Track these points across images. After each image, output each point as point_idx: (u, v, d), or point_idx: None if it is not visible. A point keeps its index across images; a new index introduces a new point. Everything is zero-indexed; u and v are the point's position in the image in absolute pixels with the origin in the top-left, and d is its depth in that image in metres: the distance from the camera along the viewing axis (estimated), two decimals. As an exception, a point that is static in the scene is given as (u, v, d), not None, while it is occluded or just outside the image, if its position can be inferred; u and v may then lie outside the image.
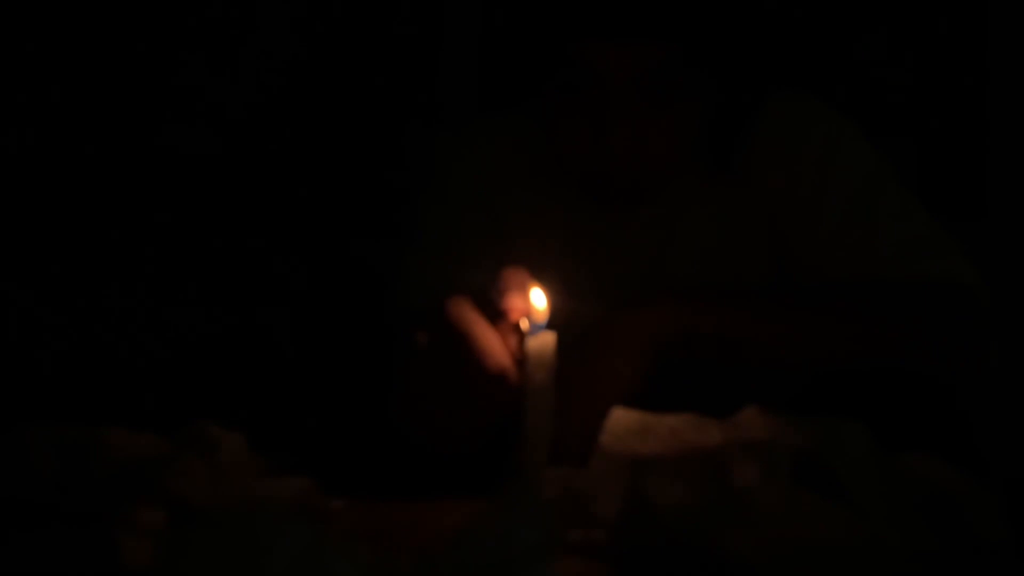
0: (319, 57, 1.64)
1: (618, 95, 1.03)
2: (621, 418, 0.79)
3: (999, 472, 0.87)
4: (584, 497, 0.69)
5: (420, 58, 1.77)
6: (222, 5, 1.48)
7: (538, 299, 0.76)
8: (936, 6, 1.60)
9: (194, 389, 1.30)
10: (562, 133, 1.09)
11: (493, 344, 0.80)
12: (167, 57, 1.40)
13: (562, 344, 0.77)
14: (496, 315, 0.82)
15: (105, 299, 1.35)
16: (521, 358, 0.79)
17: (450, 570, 0.59)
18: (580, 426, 0.88)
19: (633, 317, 0.97)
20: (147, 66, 1.37)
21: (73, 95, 1.31)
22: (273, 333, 1.55)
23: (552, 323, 0.76)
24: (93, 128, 1.35)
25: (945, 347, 1.00)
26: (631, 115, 1.04)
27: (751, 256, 1.17)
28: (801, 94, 1.19)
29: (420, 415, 0.87)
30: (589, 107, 1.05)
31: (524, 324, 0.79)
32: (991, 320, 1.03)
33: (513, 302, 0.81)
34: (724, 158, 1.16)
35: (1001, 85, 1.58)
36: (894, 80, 1.60)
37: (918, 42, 1.60)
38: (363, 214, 1.60)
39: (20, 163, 1.27)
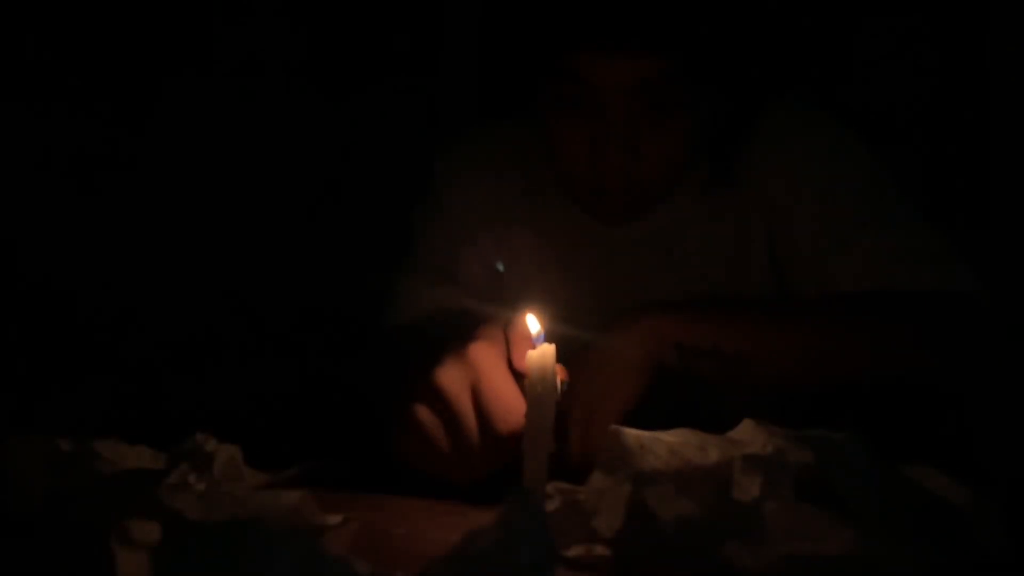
0: (318, 65, 1.63)
1: (614, 107, 1.03)
2: (619, 436, 0.79)
3: (1002, 482, 0.87)
4: (585, 512, 0.68)
5: (420, 67, 1.77)
6: (218, 9, 1.47)
7: (532, 322, 0.76)
8: (938, 13, 1.59)
9: (191, 400, 1.30)
10: (559, 146, 1.09)
11: (506, 405, 0.80)
12: (165, 62, 1.39)
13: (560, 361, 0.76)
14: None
15: (102, 304, 1.34)
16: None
17: (448, 586, 0.58)
18: (579, 443, 0.87)
19: (627, 333, 0.96)
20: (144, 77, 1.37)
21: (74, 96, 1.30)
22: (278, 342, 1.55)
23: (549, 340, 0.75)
24: (96, 129, 1.34)
25: (948, 357, 0.99)
26: (628, 127, 1.03)
27: (751, 267, 1.16)
28: (799, 102, 1.18)
29: (424, 460, 0.86)
30: (586, 119, 1.05)
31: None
32: (994, 328, 1.03)
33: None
34: (723, 168, 1.15)
35: (1004, 92, 1.58)
36: (896, 88, 1.60)
37: (920, 50, 1.60)
38: (363, 225, 1.59)
39: (22, 163, 1.26)
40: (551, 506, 0.70)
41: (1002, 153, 1.58)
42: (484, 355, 0.82)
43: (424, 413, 0.85)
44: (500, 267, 1.21)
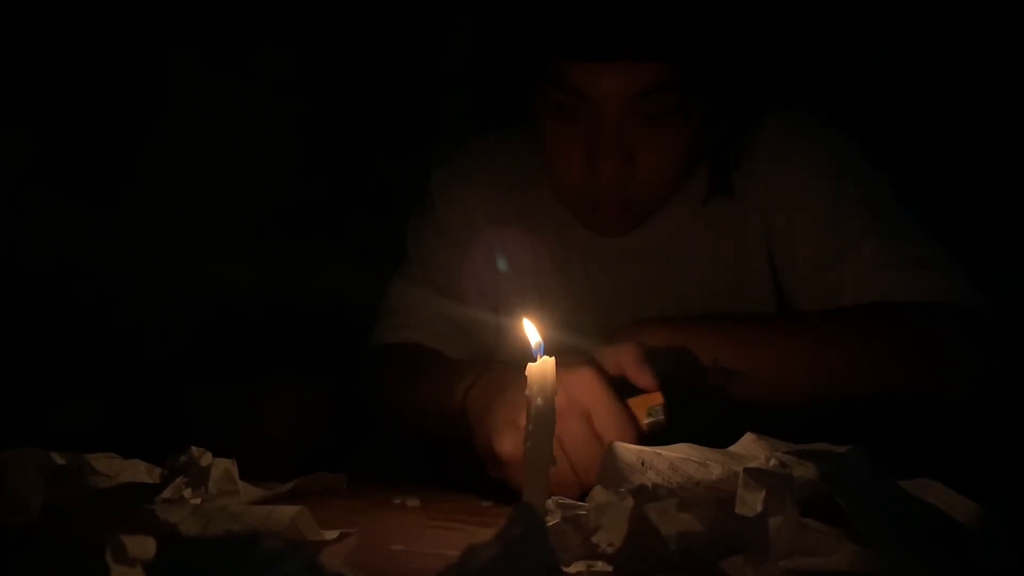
0: (318, 75, 1.63)
1: (609, 117, 1.03)
2: (620, 452, 0.78)
3: (1006, 495, 0.86)
4: (586, 527, 0.68)
5: (421, 80, 1.77)
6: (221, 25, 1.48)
7: (531, 332, 0.75)
8: (940, 21, 1.59)
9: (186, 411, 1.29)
10: (554, 156, 1.09)
11: (621, 424, 0.84)
12: (163, 74, 1.39)
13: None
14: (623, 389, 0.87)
15: (102, 314, 1.34)
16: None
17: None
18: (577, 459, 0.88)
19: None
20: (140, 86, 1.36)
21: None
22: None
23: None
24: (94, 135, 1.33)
25: (949, 369, 0.99)
26: (622, 137, 1.04)
27: (750, 278, 1.16)
28: (798, 111, 1.18)
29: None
30: (580, 130, 1.05)
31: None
32: (996, 340, 1.02)
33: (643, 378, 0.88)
34: (722, 179, 1.15)
35: (1007, 98, 1.57)
36: (898, 95, 1.60)
37: (923, 58, 1.60)
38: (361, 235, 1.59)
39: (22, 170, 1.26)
40: (552, 521, 0.69)
41: (1006, 161, 1.57)
42: (592, 378, 0.85)
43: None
44: (503, 265, 1.20)
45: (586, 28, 1.02)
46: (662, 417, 0.88)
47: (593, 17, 1.01)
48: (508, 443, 0.85)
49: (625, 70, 1.01)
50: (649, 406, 0.88)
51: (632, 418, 0.86)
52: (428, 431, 1.04)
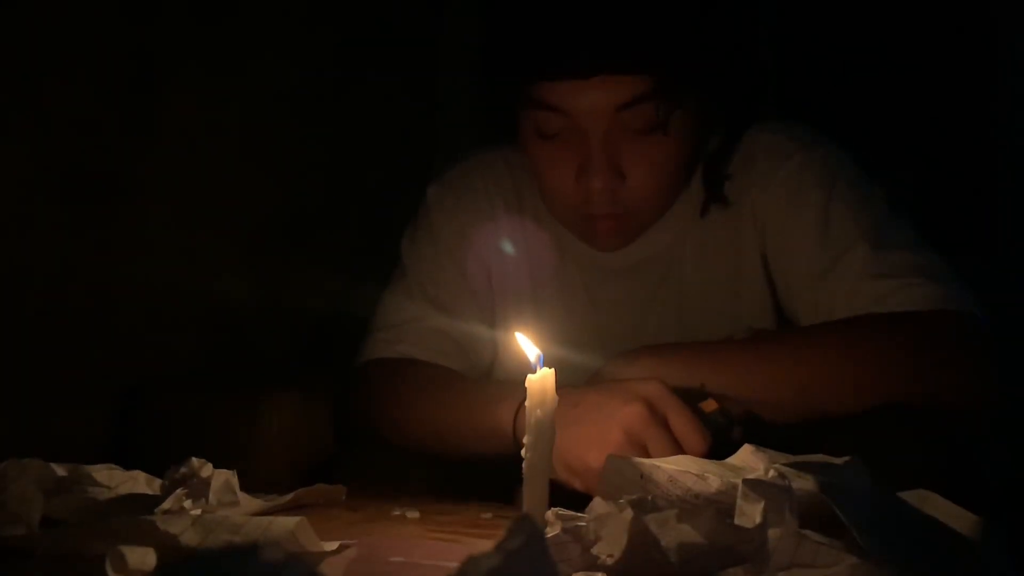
0: (317, 86, 1.64)
1: (595, 133, 1.04)
2: (619, 465, 0.78)
3: (1002, 505, 0.86)
4: (586, 538, 0.68)
5: (420, 94, 1.78)
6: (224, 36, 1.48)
7: (528, 348, 0.75)
8: (943, 33, 1.59)
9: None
10: (546, 175, 1.10)
11: (698, 432, 0.92)
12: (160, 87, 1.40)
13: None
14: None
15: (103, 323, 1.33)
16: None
17: (447, 613, 0.57)
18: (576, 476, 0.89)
19: (620, 375, 0.97)
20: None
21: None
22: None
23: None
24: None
25: (947, 380, 0.99)
26: (609, 151, 1.04)
27: (746, 289, 1.16)
28: (790, 123, 1.18)
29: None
30: (569, 147, 1.06)
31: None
32: (989, 345, 1.02)
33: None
34: (716, 190, 1.15)
35: (1008, 103, 1.57)
36: (898, 110, 1.60)
37: (923, 69, 1.60)
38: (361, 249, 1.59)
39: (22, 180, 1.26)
40: (551, 532, 0.69)
41: (1007, 167, 1.57)
42: (666, 390, 0.93)
43: (627, 436, 0.91)
44: (499, 278, 1.21)
45: (561, 48, 1.03)
46: (722, 420, 0.96)
47: (567, 36, 1.03)
48: (595, 455, 0.89)
49: (603, 86, 1.03)
50: (707, 412, 0.96)
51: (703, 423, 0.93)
52: (453, 449, 1.05)
